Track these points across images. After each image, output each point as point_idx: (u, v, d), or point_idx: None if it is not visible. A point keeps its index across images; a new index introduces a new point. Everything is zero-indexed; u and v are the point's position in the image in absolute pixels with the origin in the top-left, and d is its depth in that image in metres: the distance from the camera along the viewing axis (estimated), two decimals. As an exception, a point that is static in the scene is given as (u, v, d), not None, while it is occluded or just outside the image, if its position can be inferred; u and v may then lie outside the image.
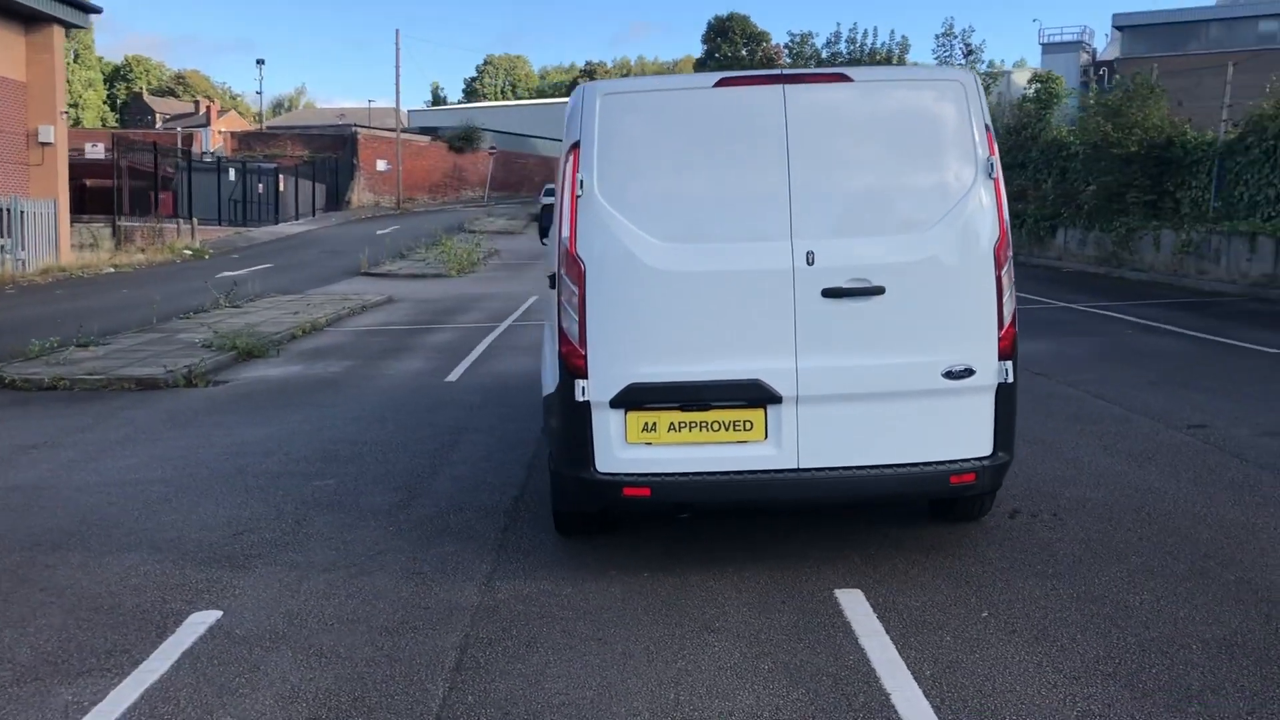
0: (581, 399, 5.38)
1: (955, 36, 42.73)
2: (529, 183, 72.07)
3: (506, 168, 68.93)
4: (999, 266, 5.42)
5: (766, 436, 5.38)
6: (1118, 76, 35.51)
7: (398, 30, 59.95)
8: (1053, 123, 30.75)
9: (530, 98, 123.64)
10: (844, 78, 5.49)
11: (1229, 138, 22.62)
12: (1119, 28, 66.70)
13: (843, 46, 56.39)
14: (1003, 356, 5.44)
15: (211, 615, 5.36)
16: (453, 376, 12.52)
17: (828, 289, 5.30)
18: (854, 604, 5.24)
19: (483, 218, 50.89)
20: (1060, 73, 38.89)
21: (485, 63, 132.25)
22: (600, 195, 5.37)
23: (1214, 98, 25.19)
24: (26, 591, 5.74)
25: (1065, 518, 6.46)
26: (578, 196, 5.37)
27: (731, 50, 62.02)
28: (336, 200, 54.48)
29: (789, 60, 62.51)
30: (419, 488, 7.64)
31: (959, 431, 5.46)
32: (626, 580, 5.65)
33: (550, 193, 9.70)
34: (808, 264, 5.29)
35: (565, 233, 5.42)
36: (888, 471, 5.40)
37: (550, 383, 5.84)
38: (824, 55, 57.08)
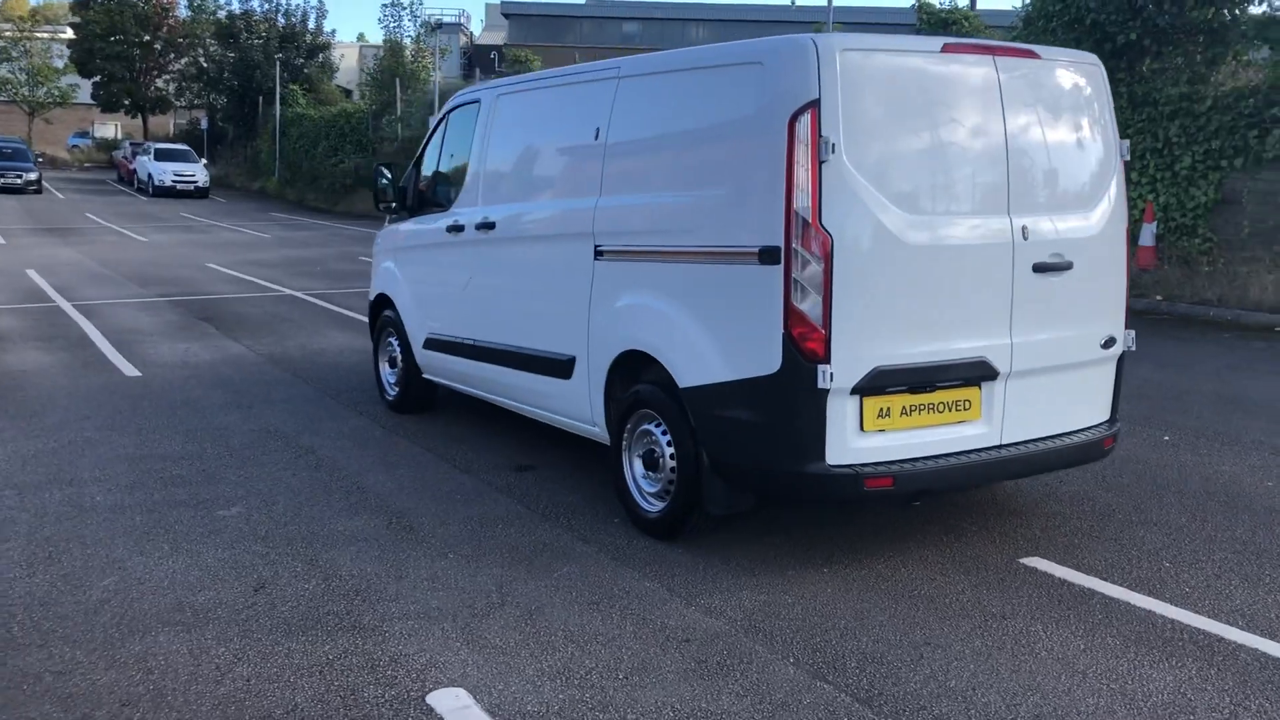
0: (824, 386, 4.85)
1: (404, 7, 42.74)
2: None
3: None
4: (1128, 241, 5.82)
5: (981, 414, 5.28)
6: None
7: None
8: None
9: None
10: (1034, 54, 5.50)
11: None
12: (506, 15, 71.05)
13: (256, 4, 53.57)
14: (1126, 325, 5.85)
15: (456, 694, 4.06)
16: (129, 371, 10.18)
17: (1038, 264, 5.32)
18: (1064, 573, 5.31)
19: None
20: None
21: None
22: (848, 161, 4.86)
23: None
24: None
25: (1070, 477, 6.89)
26: (821, 161, 4.81)
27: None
28: None
29: (189, 14, 57.70)
30: (379, 506, 6.26)
31: (1098, 399, 5.80)
32: (820, 579, 5.20)
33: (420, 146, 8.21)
34: (1023, 238, 5.26)
35: (804, 202, 4.82)
36: (1066, 440, 5.56)
37: (723, 369, 5.16)
38: (237, 12, 53.78)
